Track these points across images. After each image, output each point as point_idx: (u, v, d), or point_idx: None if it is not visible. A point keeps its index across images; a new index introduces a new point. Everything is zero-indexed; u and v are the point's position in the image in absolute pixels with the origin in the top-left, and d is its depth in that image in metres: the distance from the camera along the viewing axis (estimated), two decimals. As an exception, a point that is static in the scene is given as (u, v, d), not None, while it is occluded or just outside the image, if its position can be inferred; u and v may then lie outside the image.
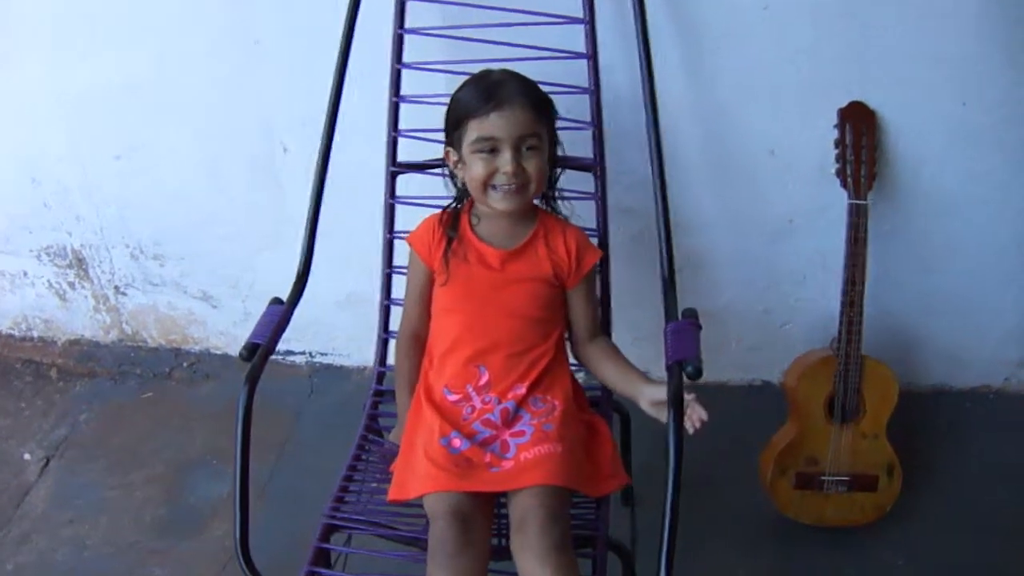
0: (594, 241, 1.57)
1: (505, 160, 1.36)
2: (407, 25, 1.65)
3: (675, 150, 1.82)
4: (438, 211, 1.52)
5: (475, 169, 1.38)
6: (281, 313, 1.48)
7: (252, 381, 1.36)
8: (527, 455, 1.31)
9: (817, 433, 1.72)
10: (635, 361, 1.46)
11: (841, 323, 1.68)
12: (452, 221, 1.48)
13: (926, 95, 1.71)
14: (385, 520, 1.40)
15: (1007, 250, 1.87)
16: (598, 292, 1.56)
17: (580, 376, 1.53)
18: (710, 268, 1.98)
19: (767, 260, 1.95)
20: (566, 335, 1.50)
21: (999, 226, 1.84)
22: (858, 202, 1.68)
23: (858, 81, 1.71)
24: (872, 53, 1.69)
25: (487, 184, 1.39)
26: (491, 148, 1.37)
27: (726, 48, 1.72)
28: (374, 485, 1.47)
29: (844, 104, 1.69)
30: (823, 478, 1.74)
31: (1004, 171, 1.78)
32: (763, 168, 1.83)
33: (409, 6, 1.65)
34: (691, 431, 1.28)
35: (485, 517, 1.29)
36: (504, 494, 1.32)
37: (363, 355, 2.18)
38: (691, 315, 1.37)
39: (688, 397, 1.27)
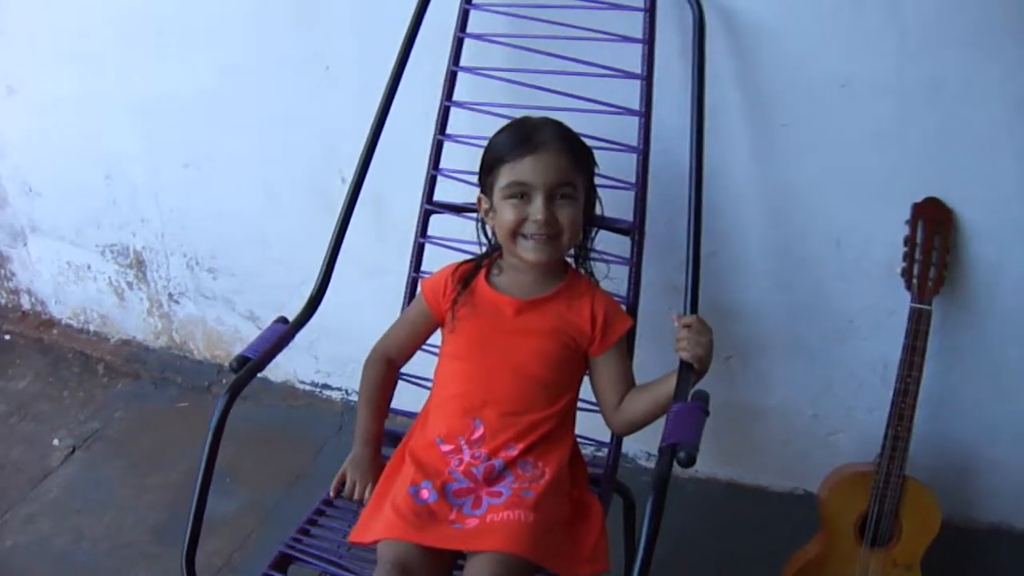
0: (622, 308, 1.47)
1: (536, 208, 1.30)
2: (465, 64, 1.64)
3: (735, 227, 1.73)
4: (457, 261, 1.47)
5: (505, 216, 1.32)
6: (281, 333, 1.46)
7: (233, 393, 1.38)
8: (494, 517, 1.22)
9: (844, 553, 1.56)
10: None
11: (886, 436, 1.52)
12: (467, 274, 1.42)
13: (1011, 197, 1.55)
14: (343, 561, 1.31)
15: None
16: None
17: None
18: (760, 360, 1.84)
19: (823, 361, 1.80)
20: (577, 405, 1.41)
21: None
22: (920, 306, 1.52)
23: (938, 174, 1.56)
24: (955, 145, 1.54)
25: (516, 232, 1.32)
26: (522, 194, 1.31)
27: (797, 125, 1.61)
28: (343, 524, 1.40)
29: (920, 199, 1.55)
30: (843, 605, 1.56)
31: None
32: (827, 259, 1.70)
33: (471, 44, 1.64)
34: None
35: (433, 574, 1.20)
36: (464, 555, 1.23)
37: (398, 400, 2.12)
38: (701, 398, 1.25)
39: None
